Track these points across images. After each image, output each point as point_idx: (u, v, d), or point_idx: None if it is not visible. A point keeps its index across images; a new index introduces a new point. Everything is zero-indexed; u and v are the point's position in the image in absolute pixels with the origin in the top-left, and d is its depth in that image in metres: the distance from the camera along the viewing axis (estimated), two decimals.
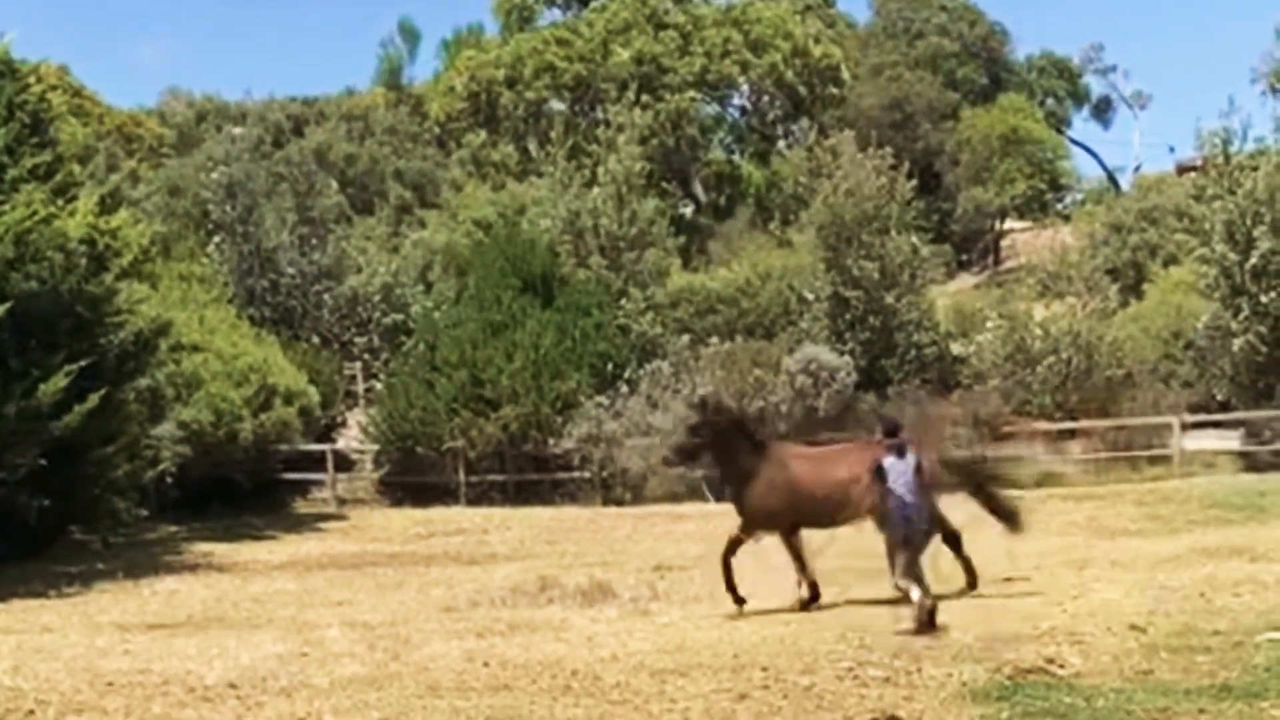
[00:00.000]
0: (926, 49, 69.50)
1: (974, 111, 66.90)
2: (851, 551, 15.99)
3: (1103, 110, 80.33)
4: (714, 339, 38.13)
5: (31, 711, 11.98)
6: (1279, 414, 32.84)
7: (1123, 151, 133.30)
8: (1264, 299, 32.87)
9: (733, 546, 16.16)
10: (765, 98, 70.37)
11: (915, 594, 13.95)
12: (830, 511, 15.74)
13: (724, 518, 28.80)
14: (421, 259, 50.03)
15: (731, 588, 15.97)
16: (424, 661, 13.77)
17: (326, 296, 44.50)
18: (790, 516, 16.06)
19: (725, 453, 16.56)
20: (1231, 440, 34.02)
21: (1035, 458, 33.41)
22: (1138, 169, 74.66)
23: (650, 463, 33.35)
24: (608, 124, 46.28)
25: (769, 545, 16.42)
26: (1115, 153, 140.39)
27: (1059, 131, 73.71)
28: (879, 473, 14.33)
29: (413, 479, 35.74)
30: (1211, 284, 34.43)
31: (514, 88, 67.46)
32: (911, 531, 14.23)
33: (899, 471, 14.31)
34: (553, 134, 46.47)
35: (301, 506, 35.44)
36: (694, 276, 46.62)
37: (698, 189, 67.91)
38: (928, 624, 13.77)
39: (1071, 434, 34.80)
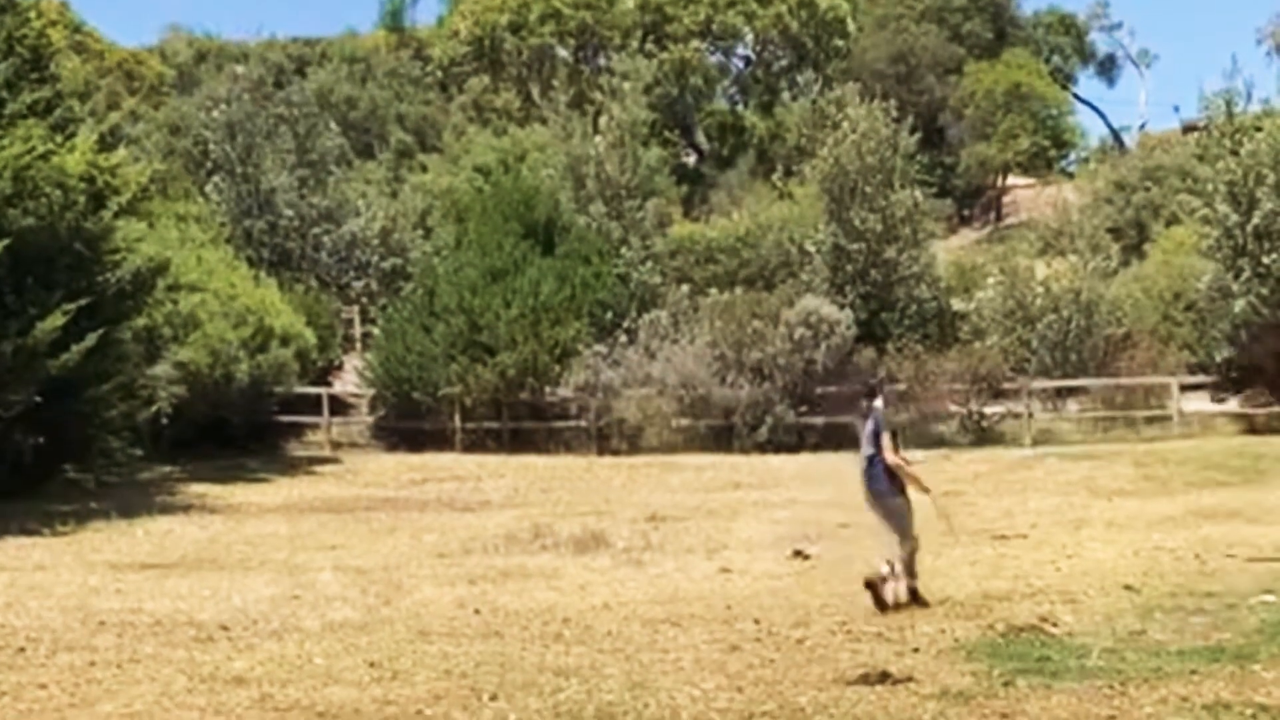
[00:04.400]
0: (933, 2, 69.02)
1: (979, 66, 66.43)
2: None
3: (1108, 68, 79.63)
4: (713, 289, 38.00)
5: (23, 649, 11.98)
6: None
7: (1128, 110, 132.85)
8: (1265, 260, 32.76)
9: None
10: (770, 48, 69.99)
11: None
12: None
13: (719, 469, 28.91)
14: (421, 204, 49.79)
15: None
16: (415, 607, 13.78)
17: (325, 239, 44.32)
18: None
19: None
20: (1230, 402, 34.01)
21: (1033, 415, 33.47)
22: (1142, 127, 74.20)
23: (647, 413, 33.40)
24: (611, 72, 45.99)
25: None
26: (1120, 111, 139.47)
27: (1064, 88, 73.26)
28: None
29: (408, 424, 35.71)
30: (1213, 245, 34.33)
31: (518, 33, 67.01)
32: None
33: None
34: (556, 81, 46.16)
35: (296, 449, 35.44)
36: (695, 226, 46.45)
37: (700, 138, 67.61)
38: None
39: (1070, 392, 34.81)
